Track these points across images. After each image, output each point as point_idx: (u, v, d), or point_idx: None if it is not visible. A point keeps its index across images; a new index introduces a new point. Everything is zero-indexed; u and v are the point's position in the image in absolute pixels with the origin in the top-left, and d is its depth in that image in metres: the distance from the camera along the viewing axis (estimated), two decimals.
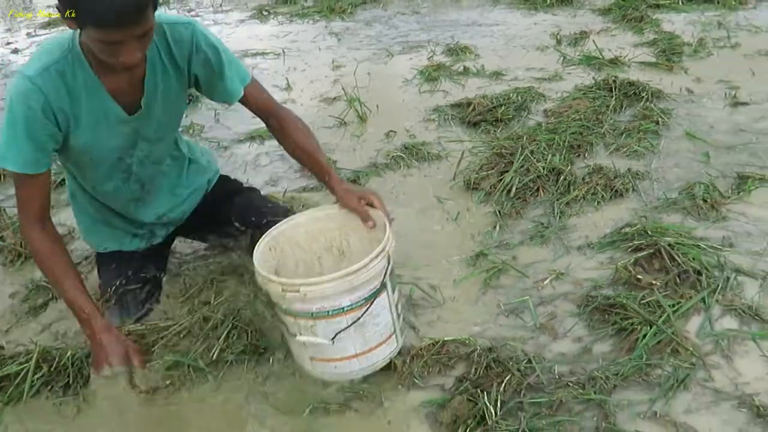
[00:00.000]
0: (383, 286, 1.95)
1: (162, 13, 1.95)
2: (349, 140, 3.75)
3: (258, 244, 2.09)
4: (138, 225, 2.39)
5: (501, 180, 3.08)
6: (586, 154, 3.37)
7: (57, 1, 1.70)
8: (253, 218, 2.45)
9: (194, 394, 2.09)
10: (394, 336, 2.09)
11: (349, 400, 2.04)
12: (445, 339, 2.21)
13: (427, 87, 4.44)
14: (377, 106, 4.11)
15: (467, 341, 2.20)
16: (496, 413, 1.90)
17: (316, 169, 2.26)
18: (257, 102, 2.23)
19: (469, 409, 1.93)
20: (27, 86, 1.85)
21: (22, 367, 2.11)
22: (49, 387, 2.10)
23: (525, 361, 2.09)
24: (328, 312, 1.91)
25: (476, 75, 4.61)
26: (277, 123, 2.26)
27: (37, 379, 2.09)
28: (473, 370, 2.06)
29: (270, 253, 2.14)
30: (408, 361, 2.14)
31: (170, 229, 2.49)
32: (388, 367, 2.12)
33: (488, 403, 1.92)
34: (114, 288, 2.32)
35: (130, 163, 2.20)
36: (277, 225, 2.17)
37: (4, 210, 3.03)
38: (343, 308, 1.92)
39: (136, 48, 1.75)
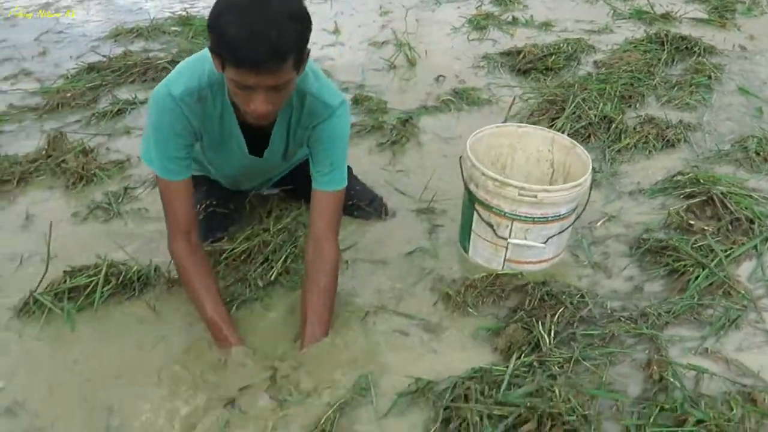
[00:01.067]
0: (587, 199, 2.28)
1: (323, 82, 1.97)
2: (398, 83, 3.76)
3: (466, 151, 2.27)
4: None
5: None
6: (638, 105, 3.38)
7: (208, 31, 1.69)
8: None
9: (247, 310, 2.16)
10: (565, 249, 2.37)
11: (403, 326, 2.10)
12: (498, 272, 2.26)
13: (475, 35, 4.42)
14: (426, 51, 4.11)
15: (519, 275, 2.24)
16: (550, 341, 1.96)
17: (302, 327, 2.01)
18: (319, 209, 2.06)
19: (524, 337, 1.99)
20: (171, 106, 1.88)
21: (91, 279, 2.19)
22: (116, 298, 2.18)
23: (578, 296, 2.14)
24: (547, 218, 2.17)
25: (525, 25, 4.58)
26: (311, 254, 2.05)
27: (106, 290, 2.17)
28: (527, 301, 2.12)
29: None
30: (462, 290, 2.19)
31: (262, 185, 2.59)
32: (444, 296, 2.19)
33: (543, 332, 1.98)
34: (204, 207, 2.40)
35: (243, 177, 2.36)
36: (471, 135, 2.35)
37: (66, 135, 3.10)
38: (559, 215, 2.18)
39: (268, 100, 1.71)
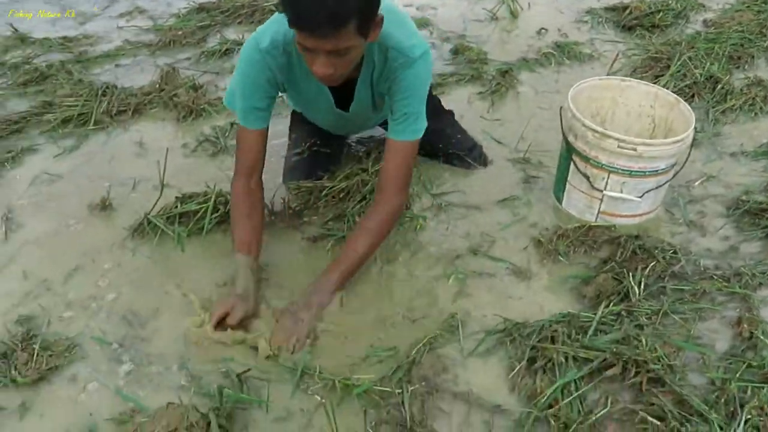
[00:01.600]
0: (687, 156, 2.26)
1: (407, 32, 1.96)
2: (499, 34, 3.75)
3: (567, 102, 2.27)
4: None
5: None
6: (746, 66, 3.29)
7: None
8: (440, 145, 2.58)
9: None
10: (661, 206, 2.37)
11: (493, 269, 2.15)
12: (591, 223, 2.28)
13: None
14: (528, 4, 4.06)
15: (613, 228, 2.26)
16: (639, 293, 1.98)
17: (337, 261, 2.05)
18: (388, 158, 2.06)
19: (613, 287, 2.02)
20: (257, 57, 1.95)
21: (201, 206, 2.32)
22: (223, 226, 2.31)
23: (671, 252, 2.15)
24: (645, 172, 2.18)
25: None
26: (376, 199, 2.11)
27: (214, 217, 2.30)
28: (618, 253, 2.14)
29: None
30: (553, 239, 2.23)
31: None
32: (535, 243, 2.23)
33: (633, 283, 2.00)
34: (309, 144, 2.50)
35: (340, 127, 2.41)
36: (573, 86, 2.35)
37: (178, 71, 3.24)
38: (656, 170, 2.18)
39: (328, 63, 1.72)
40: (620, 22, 3.77)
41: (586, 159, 2.22)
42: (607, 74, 3.16)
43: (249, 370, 1.76)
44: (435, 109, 2.54)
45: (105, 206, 2.42)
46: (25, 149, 2.76)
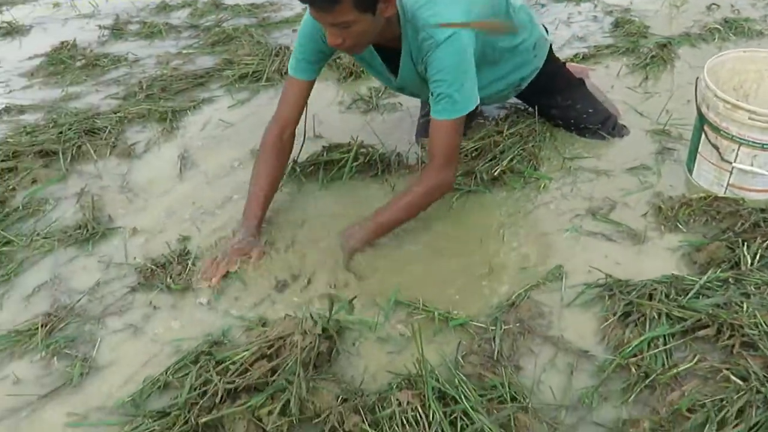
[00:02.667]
0: None
1: (437, 12, 2.02)
2: (667, 9, 3.69)
3: (702, 73, 2.28)
4: None
5: None
6: None
7: None
8: (572, 120, 2.65)
9: (472, 200, 2.40)
10: None
11: (609, 231, 2.21)
12: (718, 195, 2.27)
13: None
14: None
15: (741, 201, 2.23)
16: (752, 263, 1.97)
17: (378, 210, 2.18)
18: (431, 142, 2.16)
19: (725, 254, 2.02)
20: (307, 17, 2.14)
21: (343, 155, 2.55)
22: (362, 175, 2.53)
23: None
24: None
25: None
26: (423, 172, 2.21)
27: (355, 166, 2.53)
28: (739, 224, 2.12)
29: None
30: (675, 207, 2.24)
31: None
32: (656, 210, 2.26)
33: (746, 253, 1.99)
34: None
35: (396, 88, 2.47)
36: (713, 57, 2.36)
37: None
38: None
39: (335, 34, 1.88)
40: None
41: (716, 130, 2.21)
42: None
43: (356, 297, 1.97)
44: (563, 82, 2.63)
45: None
46: (205, 99, 3.14)
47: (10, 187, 2.63)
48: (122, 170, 2.71)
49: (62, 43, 3.80)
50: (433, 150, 2.15)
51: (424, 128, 2.64)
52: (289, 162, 2.43)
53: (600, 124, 2.63)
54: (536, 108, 2.66)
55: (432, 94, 2.09)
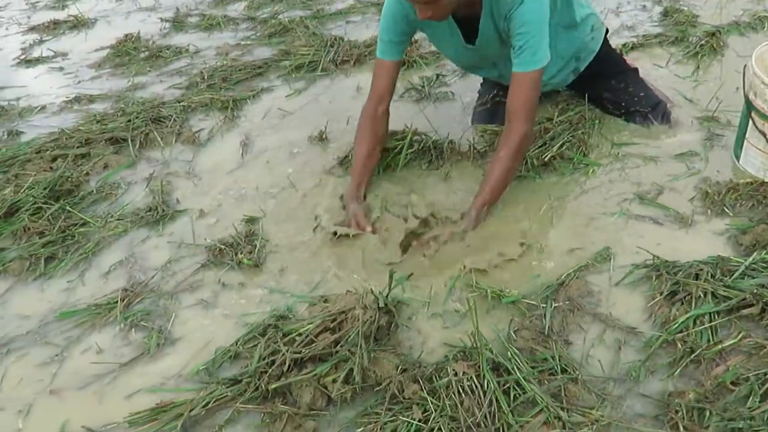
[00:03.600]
0: None
1: None
2: None
3: (750, 61, 2.33)
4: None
5: None
6: None
7: None
8: (623, 104, 2.72)
9: (523, 184, 2.49)
10: None
11: (657, 215, 2.28)
12: (765, 180, 2.33)
13: None
14: None
15: None
16: None
17: (478, 191, 2.31)
18: (512, 89, 2.27)
19: None
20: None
21: (398, 143, 2.66)
22: (417, 162, 2.63)
23: None
24: None
25: None
26: (505, 130, 2.31)
27: (410, 153, 2.63)
28: None
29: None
30: (722, 192, 2.30)
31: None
32: (703, 194, 2.32)
33: None
34: (491, 96, 2.79)
35: (482, 66, 2.59)
36: (761, 45, 2.41)
37: None
38: None
39: (427, 10, 2.04)
40: None
41: (764, 117, 2.26)
42: None
43: (412, 274, 2.08)
44: (618, 66, 2.70)
45: (322, 138, 2.85)
46: (264, 89, 3.28)
47: (84, 172, 2.79)
48: (188, 156, 2.86)
49: (126, 35, 3.98)
50: (516, 103, 2.26)
51: (481, 115, 2.74)
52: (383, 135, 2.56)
53: (650, 108, 2.69)
54: (587, 95, 2.74)
55: (513, 48, 2.22)
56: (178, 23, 4.15)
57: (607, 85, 2.68)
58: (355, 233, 2.27)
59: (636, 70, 2.77)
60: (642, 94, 2.70)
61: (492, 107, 2.76)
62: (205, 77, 3.39)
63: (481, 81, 2.91)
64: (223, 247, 2.31)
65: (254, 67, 3.44)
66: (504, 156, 2.27)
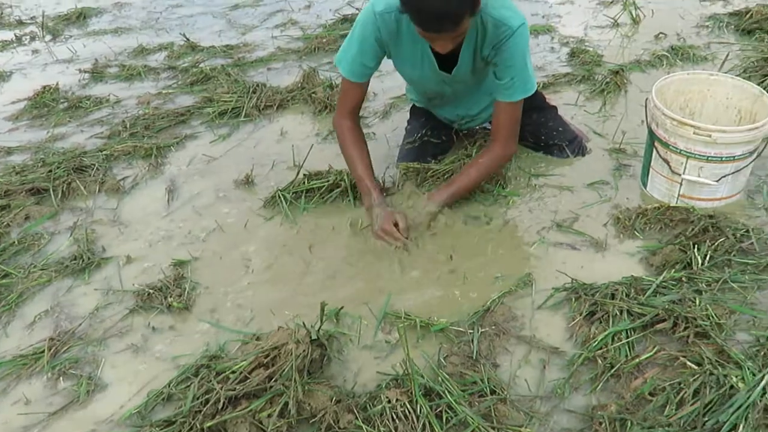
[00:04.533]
0: (765, 145, 2.37)
1: (506, 5, 2.24)
2: (619, 39, 3.94)
3: (650, 94, 2.48)
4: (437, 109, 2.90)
5: (762, 82, 3.15)
6: None
7: None
8: (542, 137, 2.87)
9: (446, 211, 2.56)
10: (742, 192, 2.51)
11: (573, 240, 2.39)
12: (671, 204, 2.47)
13: None
14: (652, 11, 4.22)
15: (691, 209, 2.43)
16: (702, 263, 2.17)
17: (451, 180, 2.55)
18: (496, 116, 2.44)
19: (678, 257, 2.21)
20: (370, 18, 2.31)
21: (323, 183, 2.71)
22: (341, 200, 2.69)
23: (743, 231, 2.30)
24: (721, 158, 2.34)
25: None
26: (491, 145, 2.50)
27: (334, 193, 2.69)
28: (690, 229, 2.32)
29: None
30: (632, 217, 2.44)
31: (463, 119, 2.88)
32: (615, 220, 2.45)
33: (697, 254, 2.19)
34: (420, 135, 2.87)
35: (441, 93, 2.66)
36: (659, 80, 2.58)
37: (318, 72, 3.70)
38: (733, 157, 2.34)
39: (449, 42, 2.08)
40: (740, 25, 3.85)
41: (666, 145, 2.42)
42: None
43: (342, 308, 2.13)
44: (539, 104, 2.82)
45: (248, 181, 2.87)
46: (188, 136, 3.30)
47: (4, 223, 2.74)
48: (112, 205, 2.84)
49: (44, 87, 3.93)
50: (498, 128, 2.45)
51: (408, 154, 2.82)
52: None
53: (568, 141, 2.84)
54: None
55: (502, 79, 2.34)
56: (97, 74, 4.13)
57: (529, 120, 2.79)
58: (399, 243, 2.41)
59: (555, 107, 2.91)
60: (560, 128, 2.85)
61: (420, 146, 2.85)
62: (128, 126, 3.39)
63: (410, 120, 3.00)
64: (151, 291, 2.31)
65: (177, 115, 3.46)
66: (483, 163, 2.49)
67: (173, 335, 2.17)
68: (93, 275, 2.45)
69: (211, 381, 1.88)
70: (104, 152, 3.16)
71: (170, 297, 2.28)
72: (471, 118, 2.86)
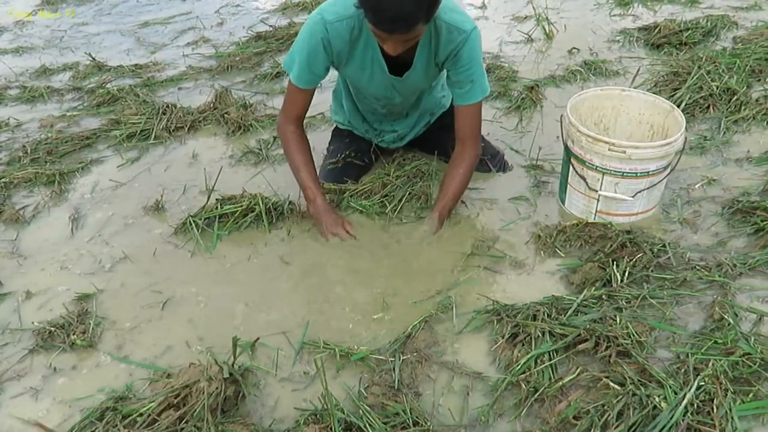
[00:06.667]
0: (678, 159, 2.41)
1: (457, 11, 2.26)
2: (533, 55, 3.97)
3: (565, 111, 2.50)
4: (374, 127, 2.85)
5: (672, 96, 3.21)
6: (767, 80, 3.39)
7: None
8: None
9: (367, 232, 2.53)
10: (657, 207, 2.54)
11: (494, 261, 2.36)
12: (589, 221, 2.47)
13: (618, 11, 4.53)
14: (565, 26, 4.28)
15: (609, 225, 2.43)
16: (622, 280, 2.16)
17: (433, 205, 2.57)
18: (461, 121, 2.46)
19: (598, 274, 2.20)
20: (319, 27, 2.26)
21: (236, 208, 2.61)
22: (258, 223, 2.59)
23: (659, 246, 2.31)
24: (636, 173, 2.35)
25: (671, 2, 4.62)
26: (456, 152, 2.52)
27: (249, 217, 2.59)
28: (608, 245, 2.31)
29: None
30: (553, 234, 2.42)
31: (395, 138, 2.89)
32: (535, 238, 2.43)
33: (615, 271, 2.18)
34: (343, 156, 2.82)
35: (385, 102, 2.63)
36: (574, 96, 2.60)
37: (231, 92, 3.59)
38: (647, 172, 2.35)
39: (400, 45, 2.06)
40: (650, 40, 3.94)
41: (582, 162, 2.42)
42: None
43: (258, 339, 2.03)
44: None
45: (158, 207, 2.75)
46: (93, 160, 3.14)
47: None
48: (10, 236, 2.67)
49: None
50: (466, 131, 2.48)
51: (330, 173, 2.78)
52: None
53: (490, 156, 2.83)
54: (436, 148, 2.89)
55: (459, 82, 2.37)
56: None
57: (448, 138, 2.76)
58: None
59: None
60: (482, 144, 2.81)
61: (342, 167, 2.79)
62: (29, 151, 3.21)
63: (332, 141, 2.95)
64: (53, 329, 2.16)
65: (82, 138, 3.30)
66: (463, 173, 2.50)
67: (76, 375, 2.03)
68: None
69: (117, 426, 1.77)
70: (2, 180, 2.98)
71: (73, 334, 2.14)
72: (403, 136, 2.87)
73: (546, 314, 2.03)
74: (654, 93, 3.19)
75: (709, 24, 4.03)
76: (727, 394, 1.72)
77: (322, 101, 3.30)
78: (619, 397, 1.76)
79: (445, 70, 2.46)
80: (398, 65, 2.39)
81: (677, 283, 2.17)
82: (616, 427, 1.68)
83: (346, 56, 2.36)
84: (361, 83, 2.55)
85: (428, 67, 2.41)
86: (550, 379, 1.86)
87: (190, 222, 2.59)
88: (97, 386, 1.97)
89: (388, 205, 2.61)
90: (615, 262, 2.22)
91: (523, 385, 1.84)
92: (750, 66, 3.42)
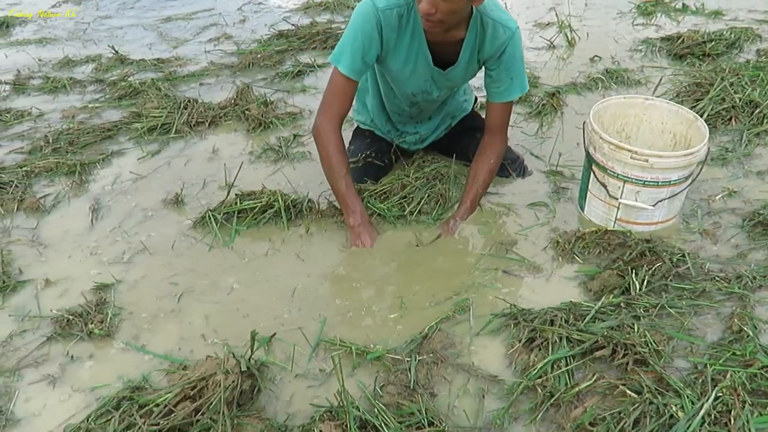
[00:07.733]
0: (700, 170, 2.41)
1: (501, 10, 2.35)
2: (555, 61, 3.97)
3: (588, 117, 2.49)
4: (398, 128, 2.87)
5: (695, 107, 3.19)
6: None
7: None
8: None
9: (385, 232, 2.54)
10: (677, 216, 2.52)
11: (512, 264, 2.36)
12: (608, 228, 2.46)
13: (640, 20, 4.52)
14: (587, 33, 4.27)
15: (628, 233, 2.43)
16: (640, 288, 2.15)
17: (463, 193, 2.61)
18: (494, 116, 2.54)
19: (617, 282, 2.19)
20: (372, 13, 2.27)
21: (256, 203, 2.62)
22: (276, 220, 2.60)
23: (679, 255, 2.29)
24: (658, 182, 2.35)
25: (694, 13, 4.61)
26: (485, 142, 2.59)
27: (268, 213, 2.60)
28: (627, 253, 2.30)
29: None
30: (571, 240, 2.42)
31: (417, 140, 2.90)
32: (554, 244, 2.43)
33: (634, 279, 2.17)
34: (364, 156, 2.81)
35: (422, 98, 2.64)
36: (597, 103, 2.61)
37: (252, 88, 3.60)
38: (669, 181, 2.34)
39: (433, 3, 2.07)
40: (672, 50, 3.92)
41: (603, 169, 2.41)
42: None
43: (275, 334, 2.03)
44: (483, 123, 2.79)
45: (177, 201, 2.76)
46: (114, 152, 3.16)
47: None
48: (31, 224, 2.69)
49: None
50: (497, 123, 2.55)
51: (351, 173, 2.72)
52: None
53: (510, 161, 2.83)
54: (455, 150, 2.87)
55: (501, 79, 2.43)
56: (19, 86, 3.94)
57: (473, 139, 2.78)
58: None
59: None
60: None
61: (363, 167, 2.79)
62: (50, 141, 3.23)
63: (352, 141, 2.94)
64: (71, 317, 2.17)
65: (103, 130, 3.32)
66: (494, 162, 2.58)
67: (94, 364, 2.04)
68: (8, 300, 2.30)
69: (133, 415, 1.77)
70: (24, 168, 3.00)
71: (91, 323, 2.15)
72: (424, 138, 2.88)
73: (563, 320, 2.03)
74: (678, 102, 3.19)
75: (732, 36, 4.01)
76: (744, 406, 1.71)
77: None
78: (636, 405, 1.75)
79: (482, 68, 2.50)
80: (443, 60, 2.43)
81: (696, 293, 2.16)
82: None
83: (392, 46, 2.37)
84: (403, 76, 2.52)
85: (470, 63, 2.44)
86: (566, 384, 1.85)
87: (209, 216, 2.60)
88: (114, 375, 1.98)
89: (407, 206, 2.60)
90: (634, 271, 2.21)
91: (539, 390, 1.84)
92: None
